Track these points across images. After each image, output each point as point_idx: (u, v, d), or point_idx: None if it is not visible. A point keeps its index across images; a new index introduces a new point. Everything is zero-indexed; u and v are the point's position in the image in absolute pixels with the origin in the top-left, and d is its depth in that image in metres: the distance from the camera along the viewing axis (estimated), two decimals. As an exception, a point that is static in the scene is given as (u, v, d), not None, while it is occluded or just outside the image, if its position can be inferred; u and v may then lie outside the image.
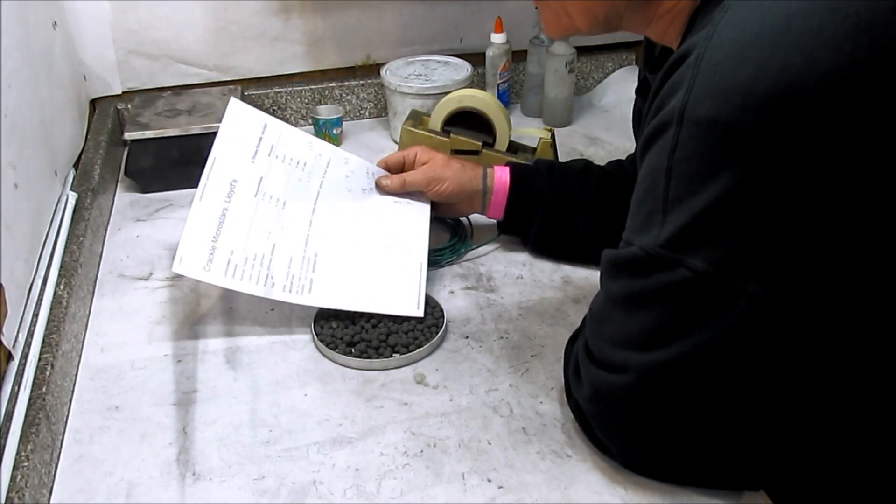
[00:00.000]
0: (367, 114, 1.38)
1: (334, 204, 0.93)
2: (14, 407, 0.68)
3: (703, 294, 0.56)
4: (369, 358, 0.81)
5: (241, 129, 0.91)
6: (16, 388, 0.70)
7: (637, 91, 0.87)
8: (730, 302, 0.56)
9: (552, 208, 0.94)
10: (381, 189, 0.96)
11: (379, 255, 0.90)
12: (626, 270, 0.61)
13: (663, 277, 0.58)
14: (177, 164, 1.13)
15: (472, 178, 0.95)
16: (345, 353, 0.81)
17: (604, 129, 1.33)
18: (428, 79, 1.24)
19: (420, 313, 0.85)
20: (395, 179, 0.95)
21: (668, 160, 0.56)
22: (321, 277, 0.86)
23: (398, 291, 0.87)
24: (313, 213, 0.91)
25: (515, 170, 0.96)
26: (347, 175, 0.96)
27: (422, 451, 0.71)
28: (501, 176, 0.95)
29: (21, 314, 0.76)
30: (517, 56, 1.36)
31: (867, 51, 0.50)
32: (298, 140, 0.95)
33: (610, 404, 0.64)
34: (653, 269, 0.58)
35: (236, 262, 0.83)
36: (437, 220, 1.05)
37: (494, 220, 0.99)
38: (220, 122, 0.90)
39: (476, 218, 1.03)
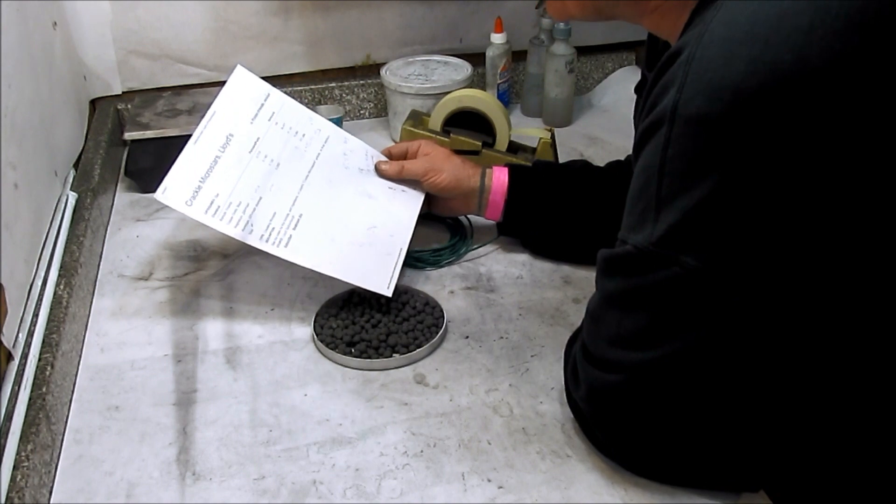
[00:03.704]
0: (367, 114, 1.38)
1: (329, 176, 0.94)
2: (14, 407, 0.68)
3: (696, 292, 0.56)
4: (369, 358, 0.81)
5: (243, 93, 0.93)
6: (16, 388, 0.70)
7: (636, 89, 0.87)
8: (723, 299, 0.56)
9: (551, 209, 0.94)
10: (379, 173, 0.97)
11: (362, 231, 0.91)
12: (620, 269, 0.61)
13: (657, 275, 0.58)
14: (177, 164, 1.13)
15: (471, 175, 0.95)
16: (345, 353, 0.81)
17: (604, 129, 1.33)
18: (428, 79, 1.23)
19: (388, 293, 0.86)
20: (394, 165, 0.97)
21: (660, 158, 0.56)
22: (300, 236, 0.87)
23: (372, 268, 0.88)
24: (306, 178, 0.92)
25: (514, 171, 0.96)
26: (345, 153, 0.97)
27: (422, 451, 0.71)
28: (500, 176, 0.95)
29: (21, 314, 0.76)
30: (517, 56, 1.36)
31: (858, 49, 0.51)
32: (300, 112, 0.97)
33: (606, 403, 0.64)
34: (646, 268, 0.58)
35: (219, 203, 0.85)
36: (436, 220, 1.05)
37: (494, 221, 0.99)
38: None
39: (476, 218, 1.03)
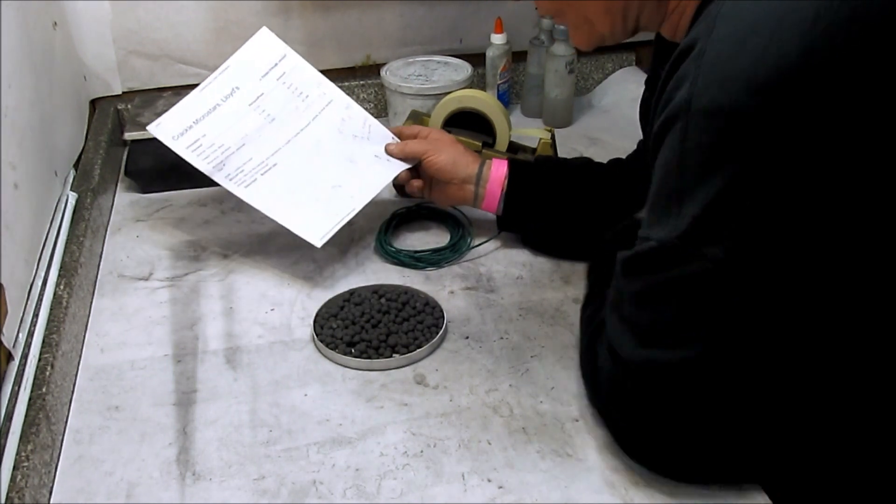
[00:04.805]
0: (367, 114, 1.38)
1: (319, 137, 0.98)
2: (14, 407, 0.68)
3: (722, 284, 0.56)
4: (369, 358, 0.81)
5: (260, 53, 0.99)
6: (16, 388, 0.70)
7: (647, 81, 0.87)
8: (746, 292, 0.56)
9: (551, 203, 0.94)
10: (386, 151, 0.99)
11: (327, 189, 0.94)
12: (644, 267, 0.61)
13: (682, 269, 0.57)
14: (177, 164, 1.12)
15: (470, 162, 0.96)
16: (345, 353, 0.81)
17: (604, 129, 1.33)
18: (428, 79, 1.23)
19: (317, 244, 0.88)
20: (398, 145, 0.99)
21: (678, 152, 0.57)
22: (265, 182, 0.92)
23: (314, 219, 0.90)
24: (296, 136, 0.97)
25: (514, 164, 0.96)
26: (344, 118, 1.00)
27: (422, 451, 0.71)
28: (499, 168, 0.95)
29: (21, 314, 0.76)
30: (517, 56, 1.36)
31: (859, 41, 0.52)
32: (310, 76, 1.01)
33: (631, 402, 0.63)
34: (671, 262, 0.58)
35: (202, 143, 0.92)
36: (436, 220, 1.05)
37: (494, 220, 0.99)
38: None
39: (476, 217, 1.03)
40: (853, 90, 0.52)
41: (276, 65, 0.99)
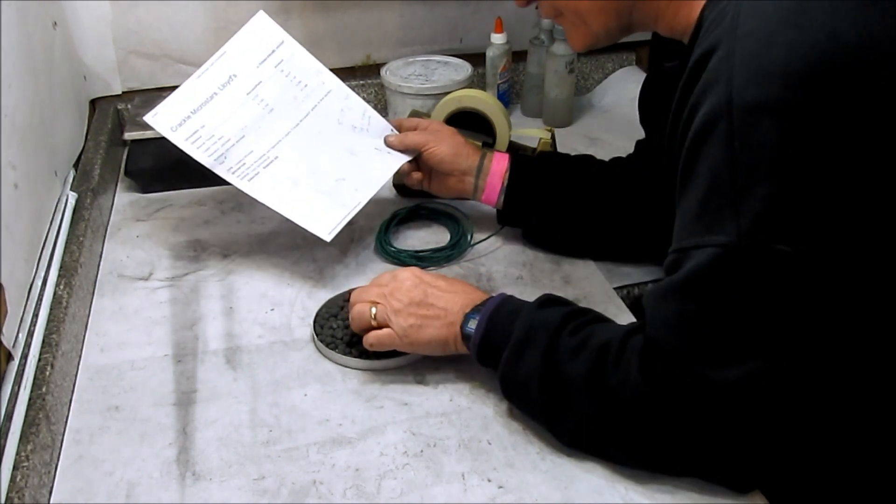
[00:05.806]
0: (367, 114, 1.37)
1: (319, 128, 0.97)
2: (14, 407, 0.68)
3: (794, 280, 0.56)
4: (369, 358, 0.81)
5: (257, 38, 0.97)
6: (16, 388, 0.70)
7: (649, 68, 0.88)
8: (820, 286, 0.56)
9: (552, 197, 0.94)
10: (386, 143, 0.99)
11: (330, 182, 0.93)
12: (708, 277, 0.58)
13: (754, 268, 0.56)
14: (177, 164, 1.12)
15: (471, 153, 0.96)
16: (345, 353, 0.81)
17: (604, 129, 1.33)
18: (428, 79, 1.24)
19: (326, 238, 0.88)
20: (398, 136, 0.99)
21: (727, 152, 0.56)
22: (268, 175, 0.91)
23: (321, 213, 0.90)
24: (295, 127, 0.96)
25: (515, 158, 0.96)
26: (343, 109, 1.00)
27: (422, 451, 0.71)
28: (500, 160, 0.95)
29: (21, 314, 0.76)
30: (517, 56, 1.36)
31: (880, 24, 0.54)
32: (309, 65, 1.00)
33: (709, 418, 0.61)
34: (741, 263, 0.57)
35: (201, 134, 0.90)
36: (436, 220, 1.05)
37: (494, 219, 0.99)
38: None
39: (476, 216, 1.03)
40: (881, 69, 0.53)
41: (273, 51, 0.98)
